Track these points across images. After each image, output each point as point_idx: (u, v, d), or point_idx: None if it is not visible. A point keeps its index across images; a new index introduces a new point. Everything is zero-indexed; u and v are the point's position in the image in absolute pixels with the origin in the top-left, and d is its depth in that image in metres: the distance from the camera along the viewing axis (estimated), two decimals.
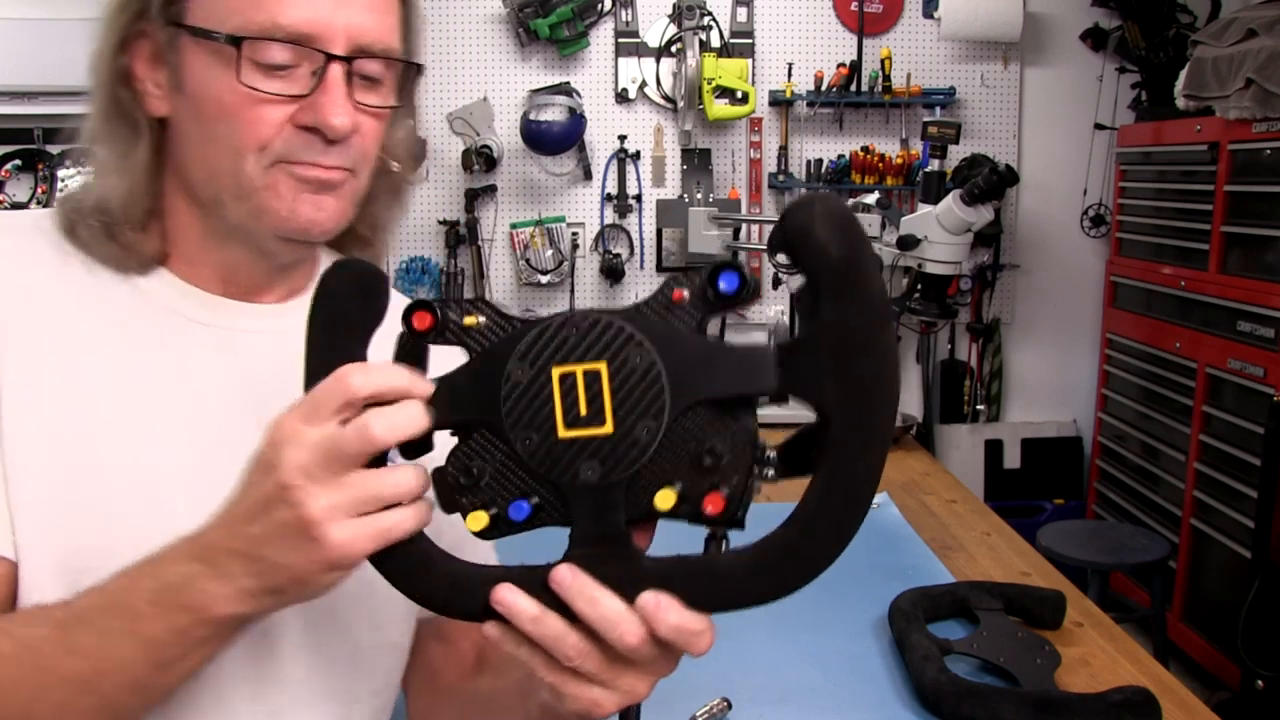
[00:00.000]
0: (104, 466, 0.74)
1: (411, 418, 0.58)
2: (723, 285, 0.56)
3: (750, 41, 3.49)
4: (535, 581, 0.58)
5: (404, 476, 0.59)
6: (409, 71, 0.83)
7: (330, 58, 0.73)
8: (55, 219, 0.79)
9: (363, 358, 0.60)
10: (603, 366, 0.55)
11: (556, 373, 0.56)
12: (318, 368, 0.60)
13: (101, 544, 0.70)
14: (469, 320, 0.58)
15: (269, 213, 0.75)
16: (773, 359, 0.56)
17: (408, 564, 0.60)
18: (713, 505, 0.56)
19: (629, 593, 0.57)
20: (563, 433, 0.56)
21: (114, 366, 0.76)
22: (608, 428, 0.55)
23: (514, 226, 3.56)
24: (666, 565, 0.58)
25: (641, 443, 0.56)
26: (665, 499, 0.56)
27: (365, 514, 0.58)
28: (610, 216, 3.58)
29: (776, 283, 2.38)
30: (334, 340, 0.60)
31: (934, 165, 2.03)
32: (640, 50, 3.48)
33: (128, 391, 0.76)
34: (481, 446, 0.58)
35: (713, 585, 0.57)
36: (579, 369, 0.56)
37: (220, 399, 0.79)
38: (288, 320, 0.78)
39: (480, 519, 0.59)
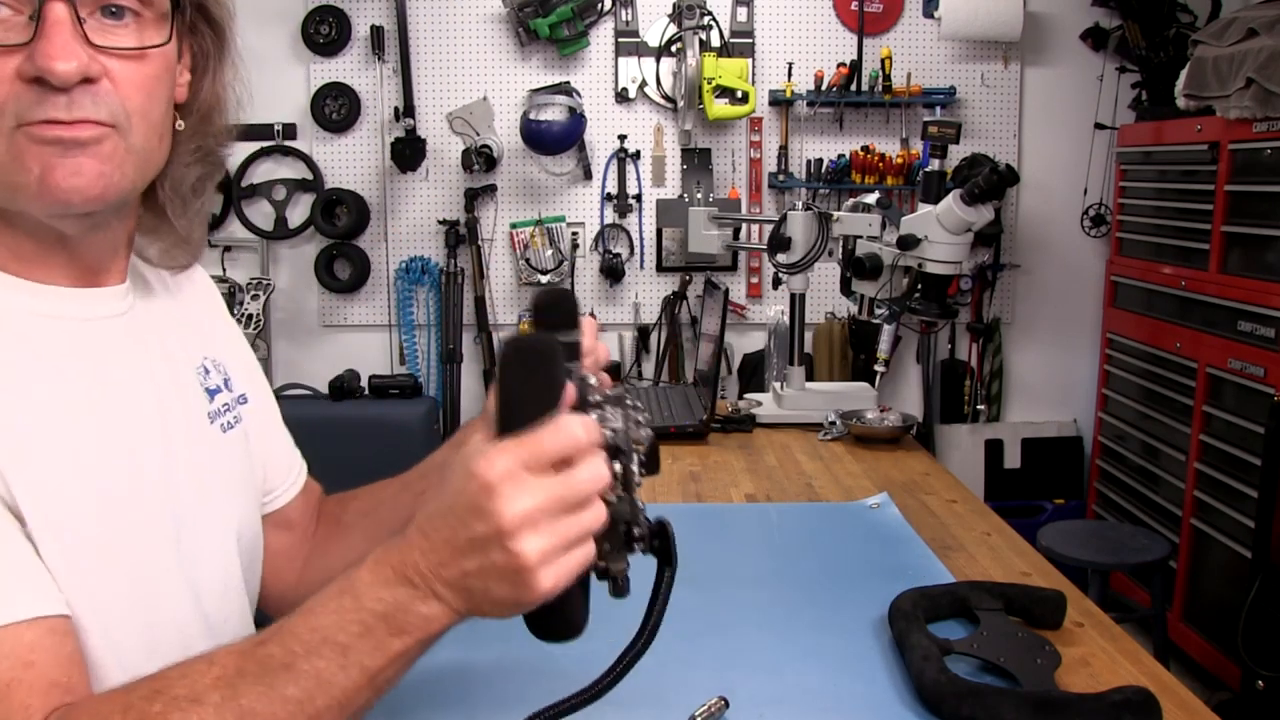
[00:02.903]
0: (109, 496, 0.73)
1: (605, 472, 0.64)
2: None
3: (750, 41, 3.49)
4: None
5: (598, 513, 0.63)
6: (194, 11, 0.76)
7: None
8: None
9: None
10: None
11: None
12: (531, 412, 0.64)
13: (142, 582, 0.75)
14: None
15: (21, 188, 0.68)
16: None
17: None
18: None
19: None
20: None
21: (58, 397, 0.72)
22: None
23: (514, 226, 3.56)
24: None
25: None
26: None
27: (566, 552, 0.62)
28: (610, 216, 3.58)
29: (776, 283, 2.38)
30: (550, 387, 0.65)
31: (934, 165, 2.03)
32: (640, 50, 3.48)
33: (75, 415, 0.73)
34: None
35: None
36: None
37: (125, 394, 0.77)
38: (126, 301, 0.80)
39: None
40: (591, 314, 3.61)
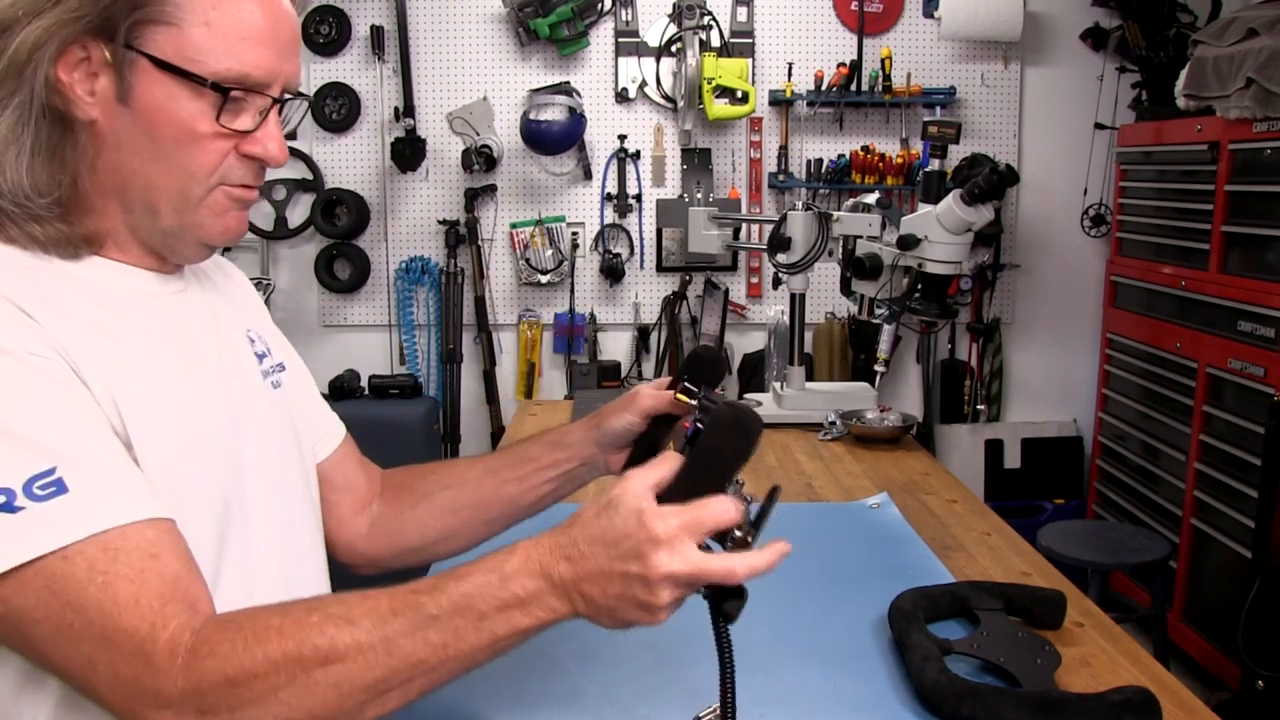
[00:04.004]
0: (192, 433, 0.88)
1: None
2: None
3: (750, 41, 3.49)
4: None
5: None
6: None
7: (275, 100, 0.88)
8: None
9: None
10: None
11: None
12: (704, 483, 0.77)
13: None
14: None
15: (204, 226, 0.89)
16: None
17: None
18: None
19: None
20: None
21: (161, 352, 0.88)
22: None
23: (514, 226, 3.56)
24: None
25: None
26: None
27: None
28: (610, 216, 3.58)
29: (776, 283, 2.38)
30: (730, 467, 0.79)
31: (934, 165, 2.02)
32: (640, 50, 3.49)
33: (174, 376, 0.88)
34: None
35: None
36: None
37: (195, 354, 0.94)
38: (183, 281, 0.96)
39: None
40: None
